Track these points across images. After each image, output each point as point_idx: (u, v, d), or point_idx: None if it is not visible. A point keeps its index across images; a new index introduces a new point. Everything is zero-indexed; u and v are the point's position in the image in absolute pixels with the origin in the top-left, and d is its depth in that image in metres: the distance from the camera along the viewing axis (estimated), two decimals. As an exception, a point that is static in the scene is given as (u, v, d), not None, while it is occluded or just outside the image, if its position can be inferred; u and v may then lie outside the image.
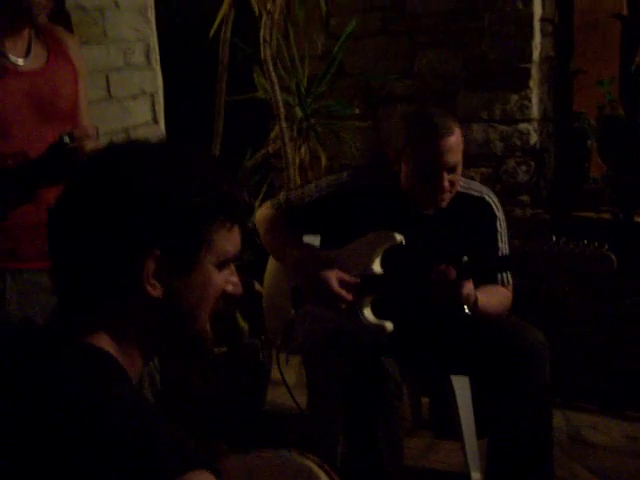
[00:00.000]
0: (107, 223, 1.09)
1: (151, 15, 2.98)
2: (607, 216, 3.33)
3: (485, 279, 2.41)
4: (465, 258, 2.29)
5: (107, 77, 2.81)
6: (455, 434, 2.79)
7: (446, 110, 2.51)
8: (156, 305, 1.12)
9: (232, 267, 1.21)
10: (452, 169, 2.37)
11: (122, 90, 2.86)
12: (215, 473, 1.00)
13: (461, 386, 2.70)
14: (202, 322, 1.18)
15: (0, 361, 1.10)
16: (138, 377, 1.18)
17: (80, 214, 1.11)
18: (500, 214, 2.54)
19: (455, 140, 2.36)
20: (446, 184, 2.37)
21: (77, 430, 0.97)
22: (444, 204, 2.43)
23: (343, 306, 2.39)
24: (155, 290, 1.11)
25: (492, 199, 2.54)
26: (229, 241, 1.17)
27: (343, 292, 2.38)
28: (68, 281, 1.14)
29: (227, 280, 1.20)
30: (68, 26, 2.56)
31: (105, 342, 1.11)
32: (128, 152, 1.17)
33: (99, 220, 1.09)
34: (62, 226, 1.14)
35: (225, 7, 3.35)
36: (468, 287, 2.29)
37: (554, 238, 2.21)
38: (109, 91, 2.82)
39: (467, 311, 2.30)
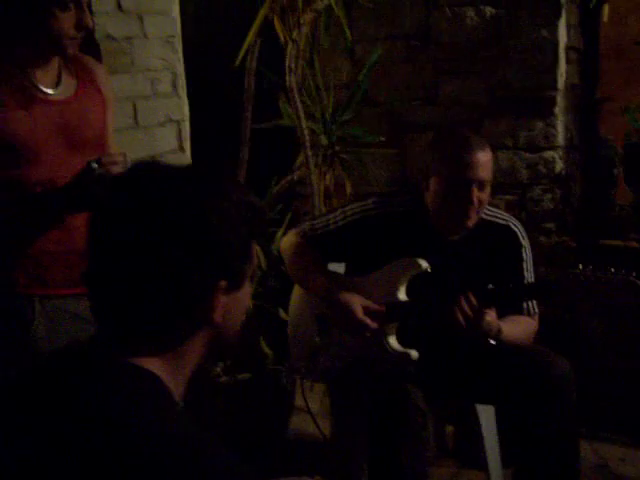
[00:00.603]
0: (174, 261, 1.09)
1: (178, 44, 3.02)
2: (635, 244, 3.31)
3: (510, 308, 2.40)
4: (490, 286, 2.28)
5: (134, 105, 2.85)
6: (480, 463, 2.76)
7: (473, 131, 2.52)
8: (216, 328, 1.16)
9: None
10: (482, 186, 2.36)
11: (149, 118, 2.90)
12: None
13: (486, 415, 2.67)
14: (237, 337, 1.23)
15: (51, 380, 1.10)
16: (182, 397, 1.19)
17: (145, 250, 1.10)
18: (526, 242, 2.52)
19: (487, 157, 2.36)
20: (475, 200, 2.35)
21: (123, 452, 0.98)
22: (470, 224, 2.40)
23: (368, 334, 2.39)
24: (219, 317, 1.14)
25: (518, 227, 2.53)
26: (255, 257, 1.26)
27: (367, 320, 2.37)
28: (126, 310, 1.12)
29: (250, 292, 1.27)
30: (97, 55, 2.61)
31: (155, 364, 1.11)
32: (173, 184, 1.14)
33: (165, 256, 1.09)
34: (127, 260, 1.11)
35: (251, 36, 3.38)
36: (490, 316, 2.27)
37: (580, 266, 2.19)
38: (136, 119, 2.85)
39: (491, 341, 2.29)
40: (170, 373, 1.13)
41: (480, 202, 2.38)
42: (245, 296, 1.20)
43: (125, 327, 1.13)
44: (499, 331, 2.31)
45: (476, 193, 2.35)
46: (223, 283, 1.12)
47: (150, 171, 1.17)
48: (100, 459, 0.98)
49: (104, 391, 1.05)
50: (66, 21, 1.96)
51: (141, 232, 1.09)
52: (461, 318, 2.26)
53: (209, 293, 1.12)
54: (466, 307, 2.25)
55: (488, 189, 2.39)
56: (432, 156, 2.42)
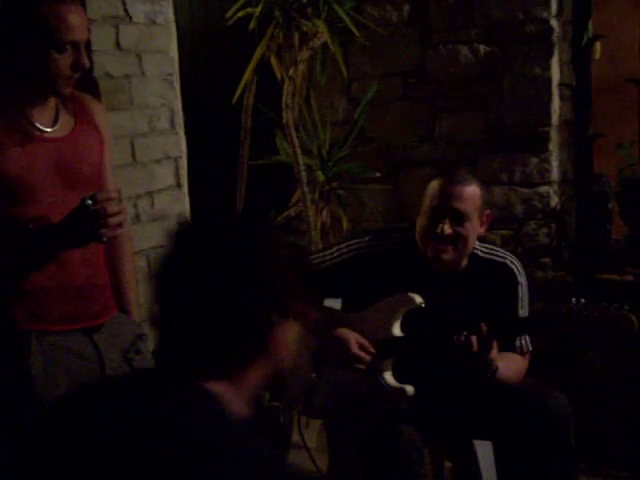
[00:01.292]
0: (237, 302, 1.23)
1: (176, 82, 3.06)
2: (630, 278, 3.32)
3: (503, 345, 2.37)
4: (483, 327, 2.26)
5: (132, 142, 2.87)
6: (478, 500, 2.74)
7: (471, 172, 2.51)
8: (272, 358, 1.29)
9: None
10: (458, 218, 2.35)
11: (147, 155, 2.92)
12: None
13: (484, 451, 2.66)
14: (290, 366, 1.35)
15: (130, 400, 1.23)
16: (251, 415, 1.31)
17: (212, 294, 1.24)
18: (522, 279, 2.51)
19: (468, 192, 2.36)
20: (447, 230, 2.33)
21: (190, 459, 1.11)
22: (447, 258, 2.39)
23: (362, 367, 2.39)
24: (282, 351, 1.29)
25: (515, 264, 2.52)
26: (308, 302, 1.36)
27: (362, 353, 2.38)
28: (196, 343, 1.26)
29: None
30: (96, 93, 2.64)
31: (220, 388, 1.24)
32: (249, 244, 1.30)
33: (230, 298, 1.23)
34: (196, 303, 1.26)
35: (248, 73, 3.42)
36: (494, 350, 2.27)
37: (574, 300, 2.20)
38: (134, 156, 2.88)
39: (485, 375, 2.29)
40: (234, 395, 1.26)
41: (458, 237, 2.36)
42: (295, 330, 1.31)
43: (194, 358, 1.26)
44: (497, 368, 2.31)
45: (448, 224, 2.34)
46: (276, 317, 1.26)
47: (213, 221, 1.33)
48: (174, 466, 1.12)
49: (177, 408, 1.19)
50: (62, 62, 1.98)
51: (209, 277, 1.24)
52: (472, 348, 2.25)
53: (267, 328, 1.25)
54: (474, 339, 2.24)
55: (469, 224, 2.36)
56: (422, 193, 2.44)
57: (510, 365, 2.39)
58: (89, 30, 2.06)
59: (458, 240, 2.37)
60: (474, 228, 2.40)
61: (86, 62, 2.02)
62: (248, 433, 1.21)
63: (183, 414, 1.18)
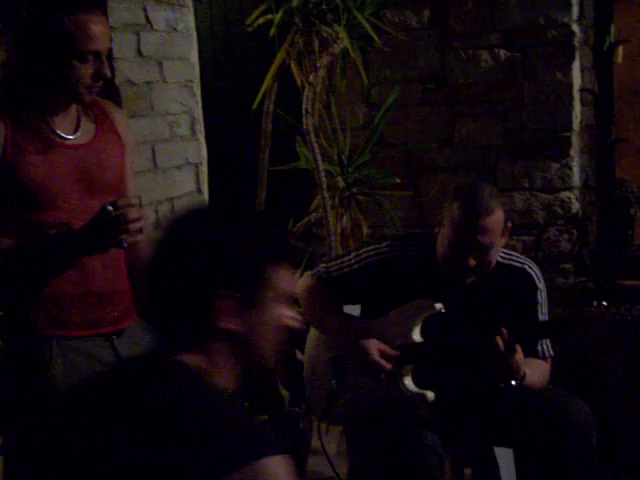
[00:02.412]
0: (186, 271, 1.32)
1: (197, 88, 3.07)
2: (653, 284, 3.30)
3: (525, 350, 2.36)
4: (504, 331, 2.25)
5: (153, 148, 2.89)
6: (499, 507, 2.72)
7: (493, 189, 2.43)
8: (235, 339, 1.32)
9: (289, 303, 1.38)
10: (483, 250, 2.32)
11: (167, 161, 2.94)
12: (291, 459, 1.20)
13: (504, 458, 2.65)
14: (266, 355, 1.37)
15: (114, 381, 1.34)
16: (238, 388, 1.37)
17: (167, 266, 1.36)
18: (541, 285, 2.49)
19: (492, 222, 2.30)
20: (471, 264, 2.32)
21: (167, 426, 1.18)
22: (469, 281, 2.40)
23: (383, 375, 2.38)
24: (230, 325, 1.31)
25: (534, 270, 2.50)
26: (285, 280, 1.36)
27: (383, 361, 2.37)
28: (169, 321, 1.36)
29: (287, 315, 1.37)
30: (117, 100, 2.65)
31: (197, 360, 1.31)
32: (200, 218, 1.42)
33: (181, 269, 1.33)
34: (157, 272, 1.38)
35: (268, 79, 3.43)
36: (520, 354, 2.26)
37: (595, 303, 2.19)
38: (155, 162, 2.89)
39: (514, 383, 2.27)
40: (213, 368, 1.32)
41: (483, 263, 2.34)
42: (271, 319, 1.34)
43: (173, 335, 1.36)
44: (524, 374, 2.30)
45: (474, 257, 2.31)
46: (224, 293, 1.29)
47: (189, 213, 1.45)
48: (158, 434, 1.18)
49: (159, 384, 1.26)
50: (84, 71, 2.00)
51: (177, 257, 1.35)
52: (497, 352, 2.24)
53: (209, 298, 1.30)
54: (500, 343, 2.23)
55: (493, 251, 2.34)
56: (444, 207, 2.39)
57: (535, 370, 2.38)
58: (111, 39, 2.08)
59: (482, 267, 2.35)
60: (497, 250, 2.37)
61: (108, 72, 2.04)
62: (228, 403, 1.26)
63: (162, 389, 1.24)
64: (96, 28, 1.99)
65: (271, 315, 1.34)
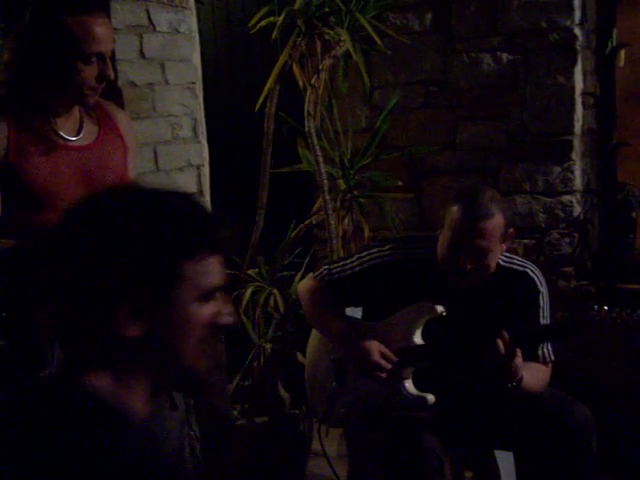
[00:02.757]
0: (80, 267, 1.12)
1: (199, 90, 3.08)
2: (654, 288, 3.29)
3: (526, 354, 2.36)
4: (505, 334, 2.25)
5: (155, 150, 2.89)
6: (499, 510, 2.72)
7: (495, 194, 2.42)
8: (138, 344, 1.14)
9: (223, 298, 1.21)
10: (481, 253, 2.31)
11: (169, 163, 2.94)
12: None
13: (505, 461, 2.65)
14: (189, 357, 1.18)
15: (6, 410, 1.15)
16: (148, 405, 1.19)
17: (58, 265, 1.15)
18: (543, 289, 2.49)
19: (490, 227, 2.29)
20: (468, 267, 2.32)
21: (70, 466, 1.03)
22: (466, 285, 2.40)
23: (383, 375, 2.38)
24: (133, 330, 1.13)
25: (535, 273, 2.50)
26: (208, 273, 1.17)
27: (383, 361, 2.37)
28: (68, 327, 1.18)
29: (216, 311, 1.20)
30: (120, 101, 2.66)
31: (104, 381, 1.14)
32: (103, 197, 1.22)
33: (74, 268, 1.13)
34: (51, 271, 1.18)
35: (270, 81, 3.43)
36: (519, 358, 2.26)
37: (596, 307, 2.19)
38: (157, 164, 2.90)
39: (509, 386, 2.28)
40: (123, 389, 1.15)
41: (481, 267, 2.33)
42: (185, 321, 1.16)
43: (76, 348, 1.18)
44: (522, 377, 2.30)
45: (471, 261, 2.31)
46: (128, 293, 1.12)
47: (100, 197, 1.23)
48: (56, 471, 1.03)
49: (58, 414, 1.10)
50: (88, 73, 2.00)
51: (60, 254, 1.17)
52: (497, 354, 2.24)
53: (109, 300, 1.12)
54: (501, 346, 2.23)
55: (491, 255, 2.33)
56: (445, 210, 2.39)
57: (533, 374, 2.38)
58: (114, 41, 2.08)
59: (480, 271, 2.35)
60: (496, 255, 2.36)
61: (111, 73, 2.04)
62: (133, 441, 1.10)
63: (57, 418, 1.09)
64: (100, 30, 2.00)
65: (189, 315, 1.16)
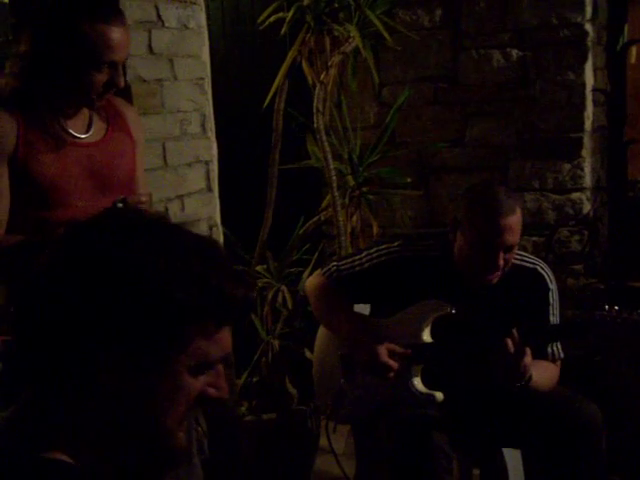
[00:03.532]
0: (63, 309, 0.98)
1: (207, 86, 3.07)
2: (664, 286, 3.28)
3: (535, 352, 2.36)
4: (515, 333, 2.25)
5: (164, 146, 2.89)
6: (507, 508, 2.71)
7: (509, 189, 2.46)
8: (113, 404, 0.99)
9: (219, 369, 1.06)
10: (509, 248, 2.33)
11: (178, 158, 2.94)
12: None
13: (513, 459, 2.64)
14: (168, 429, 1.03)
15: None
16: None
17: (43, 293, 1.01)
18: (553, 286, 2.49)
19: (516, 220, 2.32)
20: (501, 263, 2.33)
21: None
22: (494, 281, 2.39)
23: (391, 375, 2.38)
24: (110, 387, 0.98)
25: (545, 271, 2.50)
26: (213, 344, 1.02)
27: (391, 361, 2.37)
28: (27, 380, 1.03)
29: (208, 384, 1.05)
30: (128, 97, 2.66)
31: (63, 452, 0.99)
32: (102, 229, 1.04)
33: (58, 304, 0.99)
34: (29, 298, 1.04)
35: (280, 78, 3.43)
36: (529, 357, 2.25)
37: (607, 307, 2.18)
38: (165, 159, 2.89)
39: (518, 384, 2.27)
40: (91, 462, 1.01)
41: (506, 262, 2.35)
42: (173, 391, 1.01)
43: (30, 404, 1.02)
44: (530, 376, 2.29)
45: (502, 256, 2.33)
46: (112, 347, 0.97)
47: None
48: None
49: None
50: (99, 79, 2.00)
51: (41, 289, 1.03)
52: (507, 353, 2.23)
53: (91, 351, 0.97)
54: (510, 344, 2.23)
55: (516, 248, 2.37)
56: (461, 211, 2.38)
57: (543, 373, 2.37)
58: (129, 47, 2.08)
59: (506, 265, 2.37)
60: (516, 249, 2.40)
61: (121, 81, 2.04)
62: None
63: None
64: (116, 38, 2.00)
65: (180, 384, 1.01)
